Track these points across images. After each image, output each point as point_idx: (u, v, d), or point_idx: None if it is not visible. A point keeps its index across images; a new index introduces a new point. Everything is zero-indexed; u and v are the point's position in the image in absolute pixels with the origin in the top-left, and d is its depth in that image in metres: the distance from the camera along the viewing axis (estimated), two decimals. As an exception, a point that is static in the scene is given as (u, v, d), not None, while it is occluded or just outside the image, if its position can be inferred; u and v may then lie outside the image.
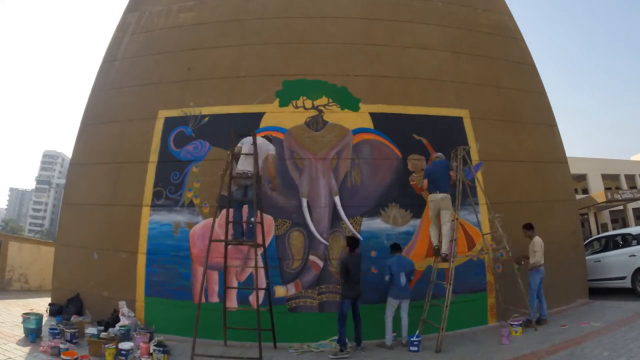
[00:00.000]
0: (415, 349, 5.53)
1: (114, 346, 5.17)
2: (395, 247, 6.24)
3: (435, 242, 6.45)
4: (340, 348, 5.56)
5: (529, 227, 6.66)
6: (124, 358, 5.09)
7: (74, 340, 5.62)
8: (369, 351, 5.79)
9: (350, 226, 6.69)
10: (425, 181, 6.61)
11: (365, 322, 5.92)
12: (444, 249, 6.21)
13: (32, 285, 11.74)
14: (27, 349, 5.34)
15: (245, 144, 6.06)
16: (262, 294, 5.92)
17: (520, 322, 6.00)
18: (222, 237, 6.02)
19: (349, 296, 5.78)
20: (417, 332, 5.78)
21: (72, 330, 5.73)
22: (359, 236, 6.58)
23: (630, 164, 32.13)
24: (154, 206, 7.05)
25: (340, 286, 5.97)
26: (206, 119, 7.36)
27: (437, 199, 6.38)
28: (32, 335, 5.71)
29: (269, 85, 7.40)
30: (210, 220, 6.26)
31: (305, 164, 6.98)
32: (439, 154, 6.79)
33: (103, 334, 5.62)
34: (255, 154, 5.79)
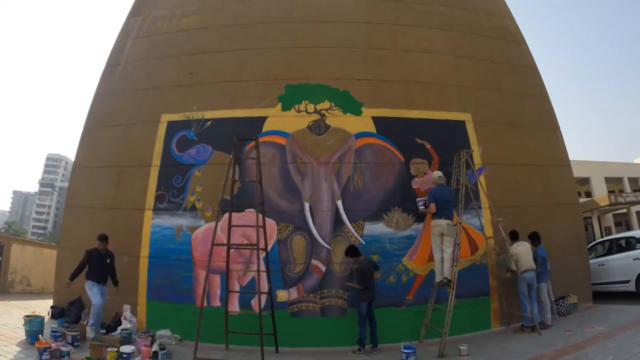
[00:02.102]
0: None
1: (116, 349, 5.16)
2: None
3: (439, 277, 6.16)
4: (359, 347, 5.80)
5: (512, 236, 6.71)
6: (125, 362, 5.08)
7: (75, 343, 5.61)
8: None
9: (353, 230, 6.68)
10: (433, 205, 6.30)
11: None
12: (447, 273, 6.04)
13: (34, 287, 11.77)
14: (28, 352, 5.33)
15: None
16: (264, 298, 5.92)
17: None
18: (225, 241, 6.03)
19: (366, 299, 5.90)
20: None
21: (74, 333, 5.72)
22: (361, 240, 6.58)
23: (634, 167, 31.98)
24: (156, 210, 7.06)
25: (359, 291, 5.99)
26: (209, 122, 7.38)
27: (442, 224, 6.20)
28: (32, 337, 5.71)
29: (271, 89, 7.41)
30: (213, 224, 6.26)
31: (307, 168, 6.98)
32: (439, 173, 6.63)
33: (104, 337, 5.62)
34: (257, 159, 5.81)
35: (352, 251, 6.21)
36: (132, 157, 7.52)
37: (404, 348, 5.28)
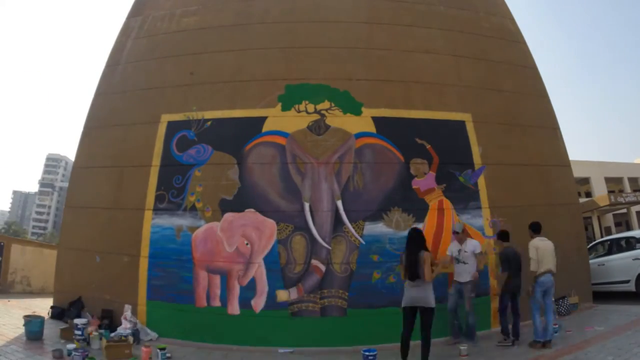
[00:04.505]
0: None
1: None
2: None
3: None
4: (504, 337, 5.85)
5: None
6: (125, 362, 5.08)
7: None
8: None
9: (353, 230, 6.67)
10: None
11: (370, 327, 5.90)
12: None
13: (35, 287, 11.79)
14: (28, 352, 5.34)
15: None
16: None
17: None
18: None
19: (507, 289, 5.96)
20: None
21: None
22: (361, 240, 6.58)
23: (634, 167, 32.00)
24: (156, 210, 7.05)
25: (500, 280, 6.09)
26: (209, 123, 7.38)
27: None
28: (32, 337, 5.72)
29: (271, 89, 7.40)
30: (213, 224, 6.28)
31: (307, 168, 6.97)
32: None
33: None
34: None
35: (503, 236, 6.30)
36: (132, 157, 7.52)
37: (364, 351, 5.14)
